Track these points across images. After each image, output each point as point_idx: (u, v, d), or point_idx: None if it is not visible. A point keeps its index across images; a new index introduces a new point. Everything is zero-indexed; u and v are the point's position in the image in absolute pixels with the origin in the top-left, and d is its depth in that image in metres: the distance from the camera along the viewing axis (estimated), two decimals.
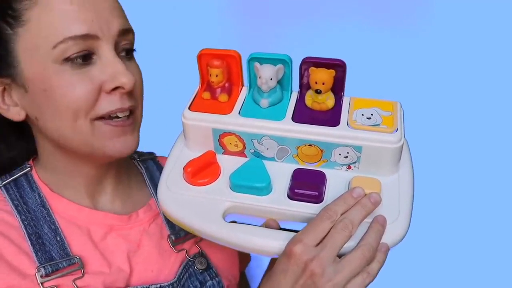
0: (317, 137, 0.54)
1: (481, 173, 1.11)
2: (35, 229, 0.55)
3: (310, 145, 0.55)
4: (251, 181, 0.54)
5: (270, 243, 0.51)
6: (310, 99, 0.57)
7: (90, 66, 0.53)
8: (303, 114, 0.56)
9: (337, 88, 0.57)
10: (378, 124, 0.54)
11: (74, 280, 0.54)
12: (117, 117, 0.55)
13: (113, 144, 0.56)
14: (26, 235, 0.54)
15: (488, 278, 1.12)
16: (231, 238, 0.52)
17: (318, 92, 0.55)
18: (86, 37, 0.51)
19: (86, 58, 0.52)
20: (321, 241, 0.48)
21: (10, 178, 0.59)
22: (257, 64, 0.56)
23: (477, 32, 1.05)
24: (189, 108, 0.58)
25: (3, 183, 0.58)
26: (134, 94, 0.57)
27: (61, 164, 0.60)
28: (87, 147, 0.56)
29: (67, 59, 0.51)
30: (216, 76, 0.58)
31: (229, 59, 0.58)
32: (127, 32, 0.56)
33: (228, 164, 0.58)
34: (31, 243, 0.54)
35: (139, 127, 0.59)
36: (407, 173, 0.56)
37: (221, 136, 0.57)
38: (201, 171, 0.57)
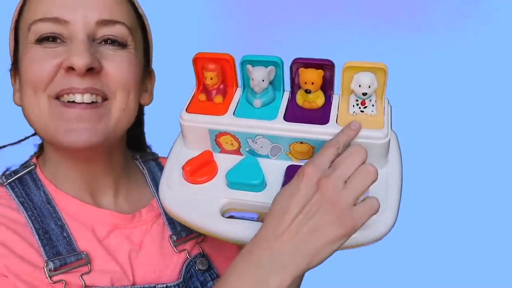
0: (307, 135, 0.57)
1: (470, 169, 1.13)
2: (42, 225, 0.56)
3: (301, 142, 0.57)
4: (245, 179, 0.57)
5: None
6: (301, 98, 0.60)
7: (60, 47, 0.56)
8: (294, 113, 0.59)
9: (327, 87, 0.59)
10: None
11: (81, 276, 0.55)
12: (82, 103, 0.56)
13: (66, 131, 0.55)
14: (34, 231, 0.55)
15: (478, 274, 1.14)
16: (228, 233, 0.55)
17: (307, 91, 0.58)
18: (55, 20, 0.56)
19: (56, 39, 0.56)
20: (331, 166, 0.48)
21: (15, 176, 0.60)
22: (249, 67, 0.59)
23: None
24: (186, 110, 0.61)
25: (8, 181, 0.60)
26: (107, 81, 0.57)
27: (57, 157, 0.61)
28: (45, 131, 0.57)
29: (39, 40, 0.56)
30: (211, 79, 0.60)
31: (223, 62, 0.60)
32: (109, 23, 0.58)
33: (225, 162, 0.60)
34: (38, 238, 0.55)
35: (113, 120, 0.59)
36: (395, 167, 0.59)
37: (217, 136, 0.60)
38: (199, 169, 0.59)
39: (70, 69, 0.55)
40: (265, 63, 0.59)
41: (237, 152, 0.61)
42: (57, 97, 0.56)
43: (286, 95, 0.62)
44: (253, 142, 0.59)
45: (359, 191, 0.48)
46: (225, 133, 0.59)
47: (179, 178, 0.60)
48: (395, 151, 0.60)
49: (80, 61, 0.54)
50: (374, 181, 0.48)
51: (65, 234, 0.57)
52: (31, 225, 0.56)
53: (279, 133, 0.57)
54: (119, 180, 0.67)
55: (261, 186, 0.57)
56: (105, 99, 0.58)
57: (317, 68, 0.57)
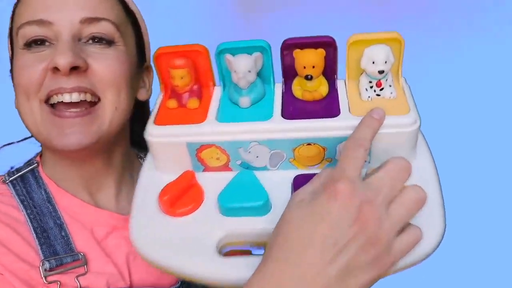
0: (316, 133, 0.45)
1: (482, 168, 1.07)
2: (40, 224, 0.56)
3: (309, 144, 0.45)
4: (244, 201, 0.44)
5: None
6: (299, 88, 0.48)
7: (47, 50, 0.56)
8: (294, 108, 0.47)
9: (329, 70, 0.47)
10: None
11: (77, 277, 0.54)
12: (72, 103, 0.55)
13: (58, 135, 0.56)
14: (32, 229, 0.55)
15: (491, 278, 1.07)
16: (232, 274, 0.41)
17: (308, 78, 0.46)
18: (40, 22, 0.56)
19: (43, 42, 0.56)
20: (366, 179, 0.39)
21: (17, 174, 0.61)
22: (229, 56, 0.46)
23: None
24: (154, 122, 0.47)
25: (10, 179, 0.60)
26: (94, 81, 0.56)
27: (54, 157, 0.61)
28: (40, 135, 0.58)
29: (26, 44, 0.57)
30: (181, 78, 0.48)
31: (194, 56, 0.48)
32: (94, 20, 0.57)
33: (212, 183, 0.47)
34: (36, 237, 0.55)
35: (106, 121, 0.57)
36: (427, 159, 0.47)
37: (198, 151, 0.47)
38: (180, 197, 0.46)
39: (55, 69, 0.55)
40: (248, 49, 0.46)
41: (225, 167, 0.48)
42: (48, 99, 0.56)
43: (278, 87, 0.50)
44: (245, 152, 0.46)
45: (403, 223, 0.39)
46: (208, 146, 0.46)
47: (155, 211, 0.47)
48: (421, 140, 0.49)
49: (63, 60, 0.54)
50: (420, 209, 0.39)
51: (63, 234, 0.57)
52: (30, 224, 0.56)
53: (279, 135, 0.45)
54: (121, 180, 0.65)
55: (265, 207, 0.44)
56: (96, 97, 0.57)
57: (316, 48, 0.45)
